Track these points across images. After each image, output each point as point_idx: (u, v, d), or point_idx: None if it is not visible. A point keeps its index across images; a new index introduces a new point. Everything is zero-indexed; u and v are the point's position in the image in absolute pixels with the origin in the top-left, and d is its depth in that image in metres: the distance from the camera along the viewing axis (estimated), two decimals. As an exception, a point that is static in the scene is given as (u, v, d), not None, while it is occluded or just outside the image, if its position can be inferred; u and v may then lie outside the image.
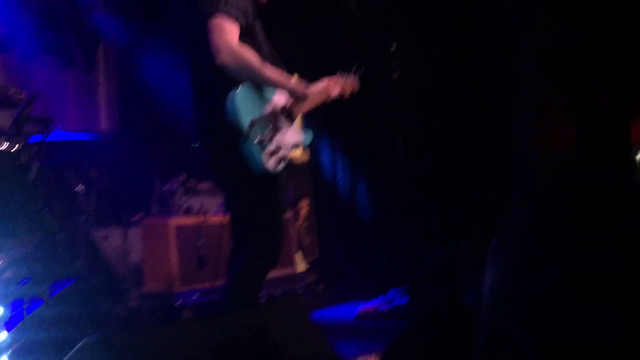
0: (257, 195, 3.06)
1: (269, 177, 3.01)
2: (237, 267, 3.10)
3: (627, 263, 1.94)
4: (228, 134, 2.94)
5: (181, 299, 4.65)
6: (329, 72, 3.75)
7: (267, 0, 3.26)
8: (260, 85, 3.05)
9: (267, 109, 3.07)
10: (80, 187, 4.83)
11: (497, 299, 1.89)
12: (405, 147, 4.00)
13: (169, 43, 6.50)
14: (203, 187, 5.46)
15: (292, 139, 3.17)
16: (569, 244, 1.97)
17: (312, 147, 6.70)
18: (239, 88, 2.96)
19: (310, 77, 3.36)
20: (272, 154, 2.99)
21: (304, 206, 7.81)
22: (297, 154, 6.58)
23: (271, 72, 3.04)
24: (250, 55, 2.96)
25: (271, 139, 3.00)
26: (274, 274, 3.26)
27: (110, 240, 5.10)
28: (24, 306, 3.12)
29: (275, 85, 3.08)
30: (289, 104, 3.16)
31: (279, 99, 3.14)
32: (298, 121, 3.26)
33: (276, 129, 3.05)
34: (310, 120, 3.46)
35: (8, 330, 3.04)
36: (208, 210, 5.32)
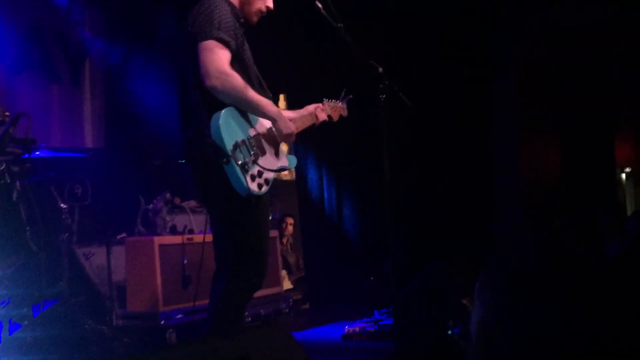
0: (241, 216, 3.05)
1: (253, 198, 3.00)
2: (221, 288, 3.08)
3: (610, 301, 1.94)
4: (213, 154, 2.93)
5: (165, 319, 4.61)
6: (317, 92, 3.76)
7: (256, 22, 3.27)
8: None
9: (252, 131, 3.07)
10: (64, 205, 4.79)
11: (481, 338, 1.88)
12: (391, 167, 4.01)
13: (155, 61, 6.49)
14: (188, 205, 5.43)
15: (277, 163, 3.17)
16: (552, 288, 1.97)
17: (298, 167, 6.70)
18: (225, 110, 2.96)
19: (299, 97, 3.37)
20: (256, 176, 2.98)
21: (289, 225, 7.79)
22: (283, 173, 6.57)
23: (258, 100, 3.05)
24: (239, 82, 2.96)
25: (255, 161, 3.00)
26: (258, 292, 3.24)
27: (94, 258, 5.05)
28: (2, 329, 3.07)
29: (260, 116, 3.09)
30: (274, 128, 3.16)
31: (264, 122, 3.14)
32: (283, 145, 3.26)
33: (260, 152, 3.05)
34: (297, 141, 3.45)
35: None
36: (193, 229, 5.29)
